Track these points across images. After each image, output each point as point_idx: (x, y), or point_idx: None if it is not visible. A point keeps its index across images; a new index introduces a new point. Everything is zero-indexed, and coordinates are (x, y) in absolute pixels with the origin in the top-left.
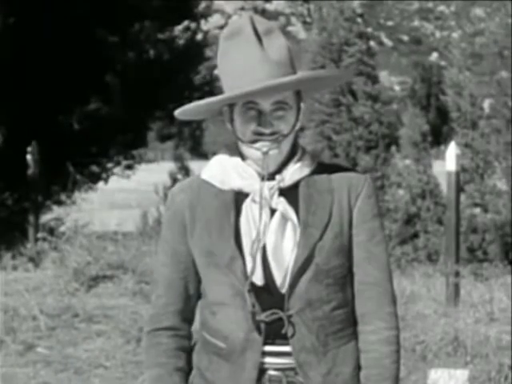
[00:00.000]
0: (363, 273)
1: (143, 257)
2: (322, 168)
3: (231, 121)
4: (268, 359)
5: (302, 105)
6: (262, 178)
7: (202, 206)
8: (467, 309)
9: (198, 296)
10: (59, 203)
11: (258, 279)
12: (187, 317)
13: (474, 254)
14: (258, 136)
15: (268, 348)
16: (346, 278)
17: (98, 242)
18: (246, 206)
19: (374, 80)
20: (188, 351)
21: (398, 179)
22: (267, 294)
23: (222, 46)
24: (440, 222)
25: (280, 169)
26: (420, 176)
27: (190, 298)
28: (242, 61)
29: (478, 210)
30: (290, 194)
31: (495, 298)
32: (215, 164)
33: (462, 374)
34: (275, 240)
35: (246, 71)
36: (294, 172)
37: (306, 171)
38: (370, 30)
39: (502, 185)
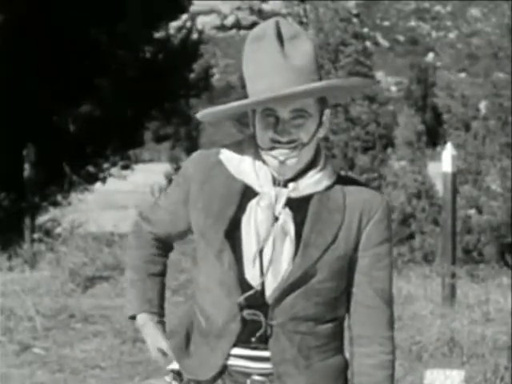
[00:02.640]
0: (363, 296)
1: None
2: (339, 183)
3: (254, 126)
4: (252, 364)
5: (327, 111)
6: (278, 184)
7: (210, 186)
8: (463, 309)
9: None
10: (55, 204)
11: (256, 282)
12: (167, 244)
13: (470, 255)
14: (276, 144)
15: (252, 353)
16: (338, 299)
17: (94, 243)
18: (251, 206)
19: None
20: (164, 261)
21: (394, 179)
22: (254, 297)
23: (246, 50)
24: (436, 222)
25: (296, 177)
26: (415, 176)
27: (172, 240)
28: (262, 66)
29: (472, 212)
30: (300, 205)
31: (491, 298)
32: (236, 149)
33: (458, 375)
34: (273, 249)
35: (265, 77)
36: (310, 184)
37: (322, 185)
38: (366, 30)
39: (496, 186)
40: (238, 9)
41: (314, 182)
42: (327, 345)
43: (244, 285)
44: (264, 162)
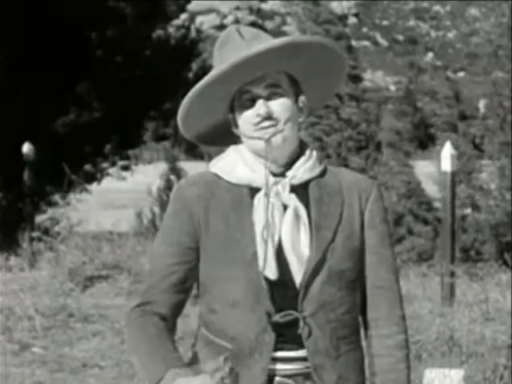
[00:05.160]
0: (376, 276)
1: (138, 257)
2: (329, 171)
3: (236, 126)
4: (277, 365)
5: (303, 97)
6: (274, 175)
7: (216, 200)
8: (462, 308)
9: (188, 292)
10: (54, 204)
11: (272, 273)
12: (176, 311)
13: (469, 253)
14: (257, 124)
15: (277, 354)
16: (356, 282)
17: (94, 242)
18: (259, 198)
19: (357, 79)
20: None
21: (385, 179)
22: (281, 295)
23: (215, 56)
24: (425, 222)
25: (289, 166)
26: (402, 177)
27: (184, 291)
28: (227, 57)
29: (469, 211)
30: (300, 193)
31: (490, 297)
32: (225, 156)
33: (457, 374)
34: (291, 235)
35: (229, 61)
36: (305, 171)
37: (317, 171)
38: (365, 29)
39: (495, 185)
40: (237, 8)
41: (308, 168)
42: (350, 337)
43: (270, 285)
44: (255, 158)
